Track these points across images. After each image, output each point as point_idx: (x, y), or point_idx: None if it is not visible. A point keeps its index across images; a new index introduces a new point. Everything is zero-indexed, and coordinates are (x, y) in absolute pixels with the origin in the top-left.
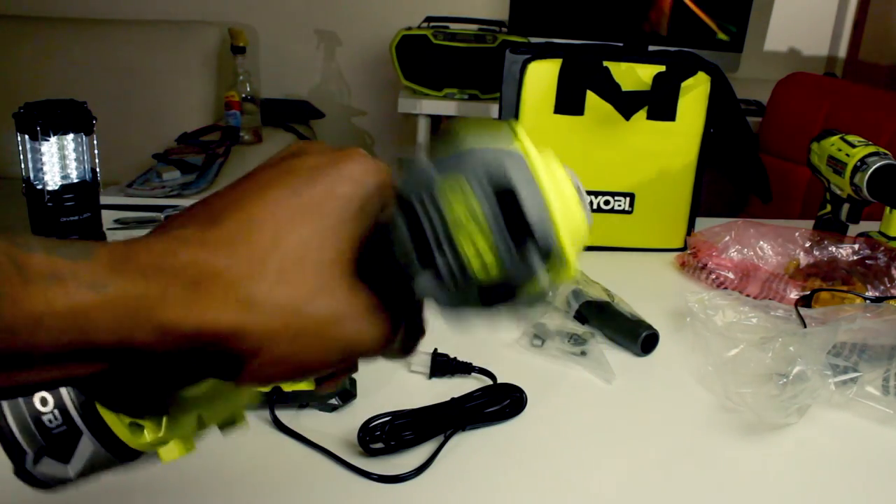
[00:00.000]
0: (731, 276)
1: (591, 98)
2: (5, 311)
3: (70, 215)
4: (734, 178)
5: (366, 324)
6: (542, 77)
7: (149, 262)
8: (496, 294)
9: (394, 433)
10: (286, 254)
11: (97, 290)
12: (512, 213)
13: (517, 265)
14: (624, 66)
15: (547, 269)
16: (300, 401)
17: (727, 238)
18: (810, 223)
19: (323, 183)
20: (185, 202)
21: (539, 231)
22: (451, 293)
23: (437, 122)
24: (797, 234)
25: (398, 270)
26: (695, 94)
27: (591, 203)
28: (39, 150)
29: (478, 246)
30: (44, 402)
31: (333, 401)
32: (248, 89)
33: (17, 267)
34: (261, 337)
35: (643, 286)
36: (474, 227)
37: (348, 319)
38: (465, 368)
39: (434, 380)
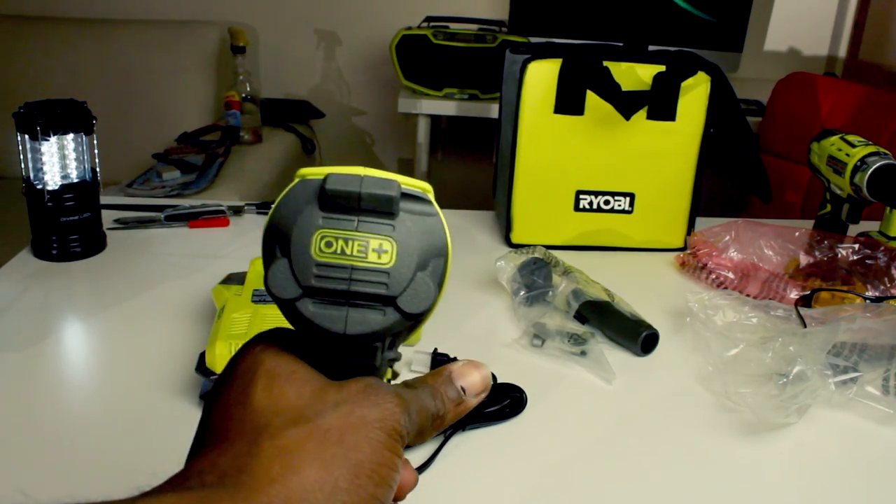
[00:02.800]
0: (731, 276)
1: (591, 98)
2: None
3: (70, 215)
4: (734, 178)
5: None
6: (542, 77)
7: None
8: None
9: None
10: None
11: None
12: None
13: None
14: (624, 66)
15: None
16: None
17: (727, 238)
18: (810, 223)
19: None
20: (186, 202)
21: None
22: None
23: (437, 121)
24: (797, 234)
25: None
26: (695, 94)
27: (591, 203)
28: (39, 150)
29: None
30: None
31: None
32: (248, 89)
33: None
34: None
35: (643, 286)
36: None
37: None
38: None
39: None
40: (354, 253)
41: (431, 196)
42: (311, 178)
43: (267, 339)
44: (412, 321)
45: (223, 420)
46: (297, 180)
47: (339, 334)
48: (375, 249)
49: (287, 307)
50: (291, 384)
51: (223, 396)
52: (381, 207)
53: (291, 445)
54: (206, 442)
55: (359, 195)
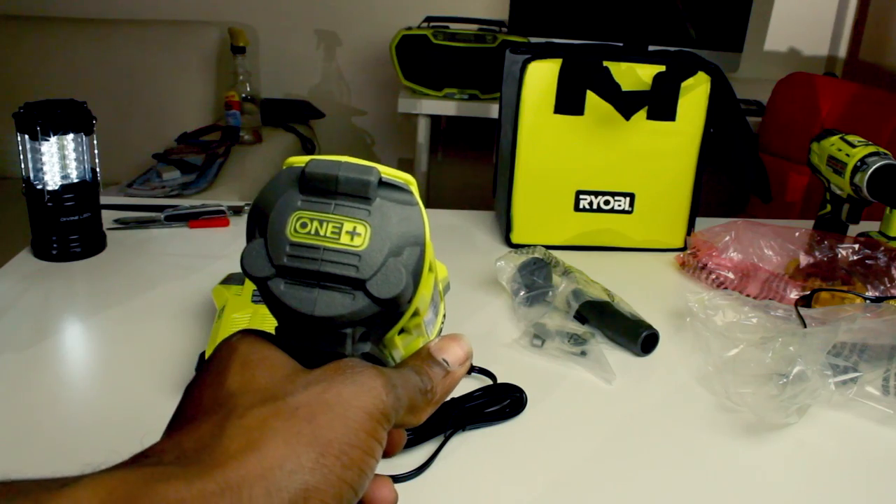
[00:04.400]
0: (731, 276)
1: (591, 98)
2: None
3: (70, 215)
4: (734, 178)
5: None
6: (542, 77)
7: None
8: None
9: None
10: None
11: None
12: None
13: None
14: (624, 66)
15: None
16: None
17: (727, 238)
18: (810, 223)
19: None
20: (186, 202)
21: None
22: None
23: (437, 121)
24: (797, 234)
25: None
26: (695, 94)
27: (591, 203)
28: (39, 150)
29: None
30: None
31: None
32: (248, 89)
33: None
34: None
35: (643, 286)
36: None
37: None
38: None
39: None
40: (328, 234)
41: (414, 188)
42: (296, 165)
43: (247, 333)
44: (382, 308)
45: (194, 405)
46: (284, 167)
47: (307, 315)
48: (349, 232)
49: (261, 286)
50: (264, 368)
51: (197, 383)
52: (359, 192)
53: (255, 423)
54: (174, 427)
55: (336, 178)
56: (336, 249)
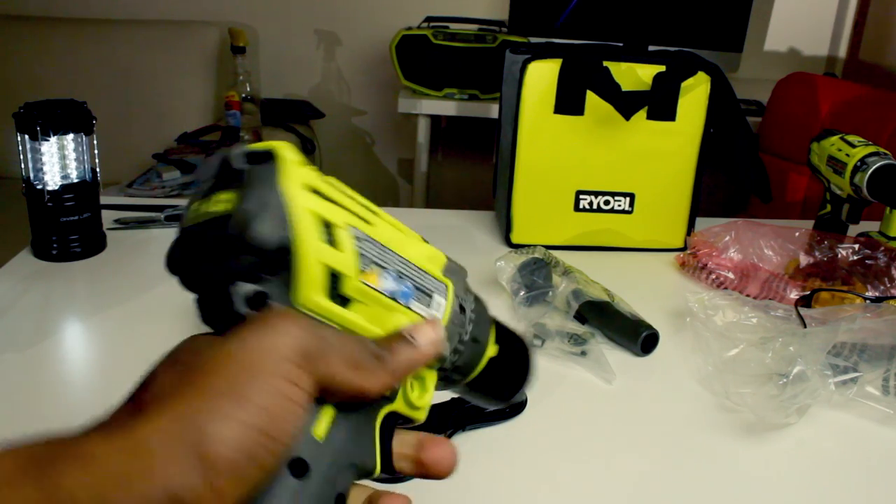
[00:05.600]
0: (731, 276)
1: (591, 98)
2: None
3: (70, 215)
4: (734, 178)
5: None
6: (542, 77)
7: None
8: None
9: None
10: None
11: None
12: None
13: None
14: (624, 66)
15: None
16: None
17: (727, 238)
18: (810, 223)
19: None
20: (186, 202)
21: None
22: None
23: (437, 121)
24: (797, 234)
25: None
26: (695, 94)
27: (591, 203)
28: (39, 150)
29: None
30: None
31: None
32: (248, 89)
33: None
34: None
35: (643, 286)
36: None
37: None
38: None
39: None
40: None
41: (280, 151)
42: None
43: (193, 336)
44: (244, 241)
45: (130, 395)
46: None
47: (183, 228)
48: (222, 200)
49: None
50: (194, 351)
51: (132, 389)
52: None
53: (168, 388)
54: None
55: (228, 159)
56: (214, 211)
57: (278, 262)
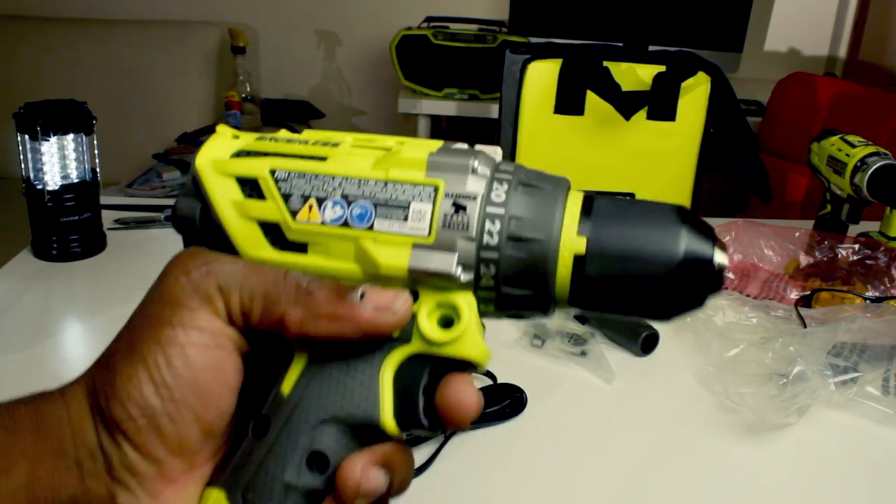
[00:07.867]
0: (731, 276)
1: (591, 98)
2: None
3: (70, 215)
4: (734, 178)
5: None
6: (542, 77)
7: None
8: None
9: None
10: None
11: None
12: None
13: None
14: (624, 66)
15: None
16: None
17: (727, 238)
18: (810, 223)
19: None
20: None
21: None
22: None
23: (437, 122)
24: (797, 234)
25: None
26: (695, 94)
27: None
28: (39, 150)
29: None
30: None
31: None
32: (248, 89)
33: None
34: None
35: None
36: None
37: None
38: None
39: None
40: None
41: (209, 137)
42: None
43: None
44: (177, 225)
45: None
46: None
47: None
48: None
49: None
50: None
51: None
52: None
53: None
54: None
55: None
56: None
57: (212, 231)
